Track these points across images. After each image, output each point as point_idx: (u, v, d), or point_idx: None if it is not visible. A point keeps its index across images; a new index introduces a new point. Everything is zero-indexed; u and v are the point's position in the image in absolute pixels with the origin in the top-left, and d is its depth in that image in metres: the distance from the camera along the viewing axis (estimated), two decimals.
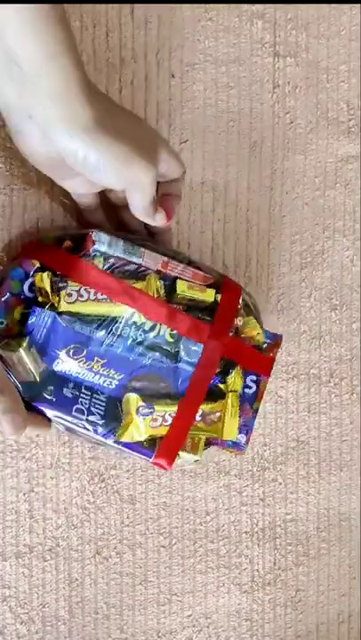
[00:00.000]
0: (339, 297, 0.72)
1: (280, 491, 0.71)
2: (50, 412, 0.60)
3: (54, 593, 0.68)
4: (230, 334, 0.62)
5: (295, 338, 0.72)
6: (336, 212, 0.72)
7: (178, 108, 0.68)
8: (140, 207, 0.59)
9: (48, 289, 0.59)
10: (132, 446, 0.60)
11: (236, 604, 0.71)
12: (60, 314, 0.59)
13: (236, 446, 0.63)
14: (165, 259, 0.61)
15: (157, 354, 0.60)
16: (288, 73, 0.70)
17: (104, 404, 0.60)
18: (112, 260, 0.60)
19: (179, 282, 0.61)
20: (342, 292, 0.72)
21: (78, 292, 0.59)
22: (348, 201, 0.72)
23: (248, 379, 0.63)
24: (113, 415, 0.60)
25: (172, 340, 0.61)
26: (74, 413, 0.59)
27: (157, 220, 0.60)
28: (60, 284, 0.59)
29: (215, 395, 0.62)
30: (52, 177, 0.60)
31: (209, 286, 0.62)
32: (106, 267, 0.60)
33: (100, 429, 0.60)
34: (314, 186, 0.71)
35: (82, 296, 0.59)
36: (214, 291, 0.61)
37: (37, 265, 0.59)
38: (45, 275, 0.59)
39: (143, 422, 0.60)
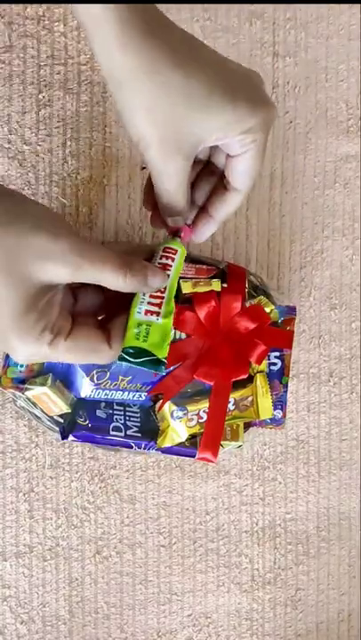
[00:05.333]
0: (338, 296, 0.72)
1: (280, 490, 0.71)
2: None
3: (54, 593, 0.68)
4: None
5: (295, 337, 0.72)
6: (335, 212, 0.72)
7: None
8: (168, 186, 0.47)
9: None
10: (175, 449, 0.61)
11: (236, 604, 0.71)
12: None
13: (274, 422, 0.64)
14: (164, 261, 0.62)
15: None
16: (287, 72, 0.70)
17: (138, 416, 0.61)
18: None
19: (182, 283, 0.61)
20: (342, 291, 0.72)
21: None
22: (347, 200, 0.72)
23: (272, 356, 0.64)
24: (149, 424, 0.61)
25: None
26: (112, 432, 0.60)
27: (172, 220, 0.51)
28: None
29: (243, 381, 0.62)
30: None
31: (214, 277, 0.62)
32: None
33: (141, 442, 0.61)
34: (313, 185, 0.71)
35: None
36: (220, 280, 0.62)
37: None
38: None
39: (180, 424, 0.60)
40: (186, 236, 0.52)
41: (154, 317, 0.48)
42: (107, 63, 0.43)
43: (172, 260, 0.50)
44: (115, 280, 0.46)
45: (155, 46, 0.42)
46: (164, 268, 0.49)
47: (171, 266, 0.50)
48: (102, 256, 0.45)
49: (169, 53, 0.43)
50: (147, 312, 0.48)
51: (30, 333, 0.45)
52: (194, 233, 0.52)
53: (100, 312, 0.50)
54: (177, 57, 0.43)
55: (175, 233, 0.52)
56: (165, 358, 0.47)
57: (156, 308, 0.48)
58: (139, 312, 0.48)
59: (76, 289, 0.49)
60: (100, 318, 0.49)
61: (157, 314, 0.48)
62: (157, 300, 0.48)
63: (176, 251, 0.50)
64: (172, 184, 0.47)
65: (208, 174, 0.51)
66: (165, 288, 0.49)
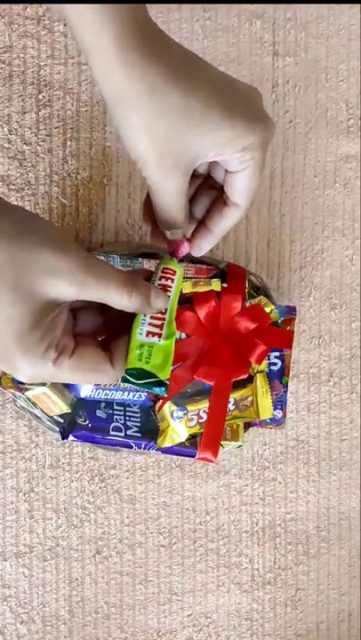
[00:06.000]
0: (338, 296, 0.72)
1: (280, 490, 0.71)
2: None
3: (54, 592, 0.68)
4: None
5: (295, 337, 0.72)
6: (335, 212, 0.72)
7: None
8: (165, 202, 0.48)
9: None
10: (175, 449, 0.61)
11: (236, 604, 0.71)
12: None
13: (274, 422, 0.64)
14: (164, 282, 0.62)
15: None
16: (287, 72, 0.70)
17: (138, 416, 0.61)
18: None
19: (182, 282, 0.61)
20: (342, 291, 0.72)
21: None
22: (347, 200, 0.72)
23: (272, 356, 0.64)
24: (149, 424, 0.61)
25: None
26: (112, 432, 0.60)
27: (170, 234, 0.51)
28: None
29: (243, 381, 0.62)
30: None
31: (214, 277, 0.62)
32: None
33: (141, 442, 0.61)
34: (313, 185, 0.71)
35: None
36: (219, 280, 0.62)
37: None
38: None
39: (180, 424, 0.60)
40: (184, 250, 0.52)
41: (155, 339, 0.47)
42: (105, 82, 0.43)
43: (172, 280, 0.50)
44: (119, 298, 0.46)
45: (153, 66, 0.43)
46: (165, 288, 0.49)
47: (171, 287, 0.50)
48: (108, 274, 0.45)
49: (168, 72, 0.43)
50: (148, 333, 0.48)
51: (35, 352, 0.44)
52: (192, 247, 0.52)
53: (100, 334, 0.50)
54: (176, 75, 0.43)
55: (174, 252, 0.52)
56: (167, 380, 0.47)
57: (157, 330, 0.48)
58: (140, 333, 0.47)
59: (75, 310, 0.49)
60: (100, 339, 0.49)
61: (159, 335, 0.48)
62: (159, 322, 0.48)
63: (175, 271, 0.50)
64: (171, 199, 0.47)
65: (207, 188, 0.51)
66: (166, 310, 0.49)
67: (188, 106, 0.43)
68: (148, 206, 0.50)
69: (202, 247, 0.52)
